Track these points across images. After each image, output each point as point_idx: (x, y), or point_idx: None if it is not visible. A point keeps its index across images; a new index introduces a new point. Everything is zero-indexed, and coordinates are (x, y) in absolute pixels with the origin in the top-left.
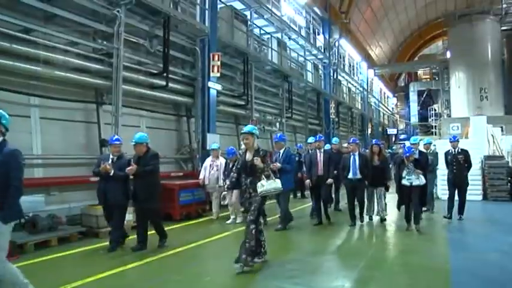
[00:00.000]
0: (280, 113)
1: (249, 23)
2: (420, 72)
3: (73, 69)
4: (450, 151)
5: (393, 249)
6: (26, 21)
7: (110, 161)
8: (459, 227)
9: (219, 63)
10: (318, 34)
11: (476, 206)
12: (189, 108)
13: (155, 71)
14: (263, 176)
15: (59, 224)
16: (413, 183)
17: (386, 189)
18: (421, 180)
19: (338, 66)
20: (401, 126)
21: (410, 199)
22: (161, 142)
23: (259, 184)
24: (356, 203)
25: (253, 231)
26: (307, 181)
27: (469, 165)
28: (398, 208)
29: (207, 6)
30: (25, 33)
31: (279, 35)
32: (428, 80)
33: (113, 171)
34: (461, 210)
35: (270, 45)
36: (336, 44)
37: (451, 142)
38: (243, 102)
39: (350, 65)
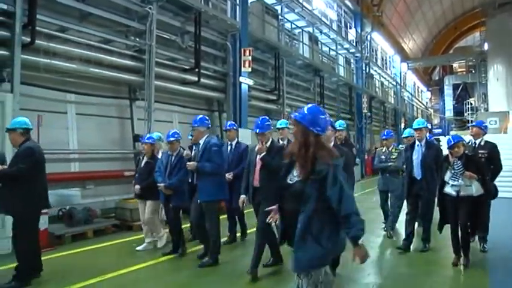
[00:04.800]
0: None
1: (280, 17)
2: (455, 65)
3: (107, 66)
4: (469, 142)
5: None
6: (63, 20)
7: None
8: None
9: (250, 58)
10: (350, 28)
11: None
12: (221, 103)
13: (187, 67)
14: None
15: (94, 216)
16: (462, 193)
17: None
18: (476, 189)
19: (370, 60)
20: (436, 120)
21: (458, 217)
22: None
23: None
24: None
25: None
26: (241, 198)
27: (497, 168)
28: (440, 229)
29: (237, 1)
30: (61, 32)
31: (310, 29)
32: (464, 73)
33: None
34: (483, 236)
35: (301, 40)
36: (368, 37)
37: (472, 128)
38: (274, 97)
39: (383, 59)
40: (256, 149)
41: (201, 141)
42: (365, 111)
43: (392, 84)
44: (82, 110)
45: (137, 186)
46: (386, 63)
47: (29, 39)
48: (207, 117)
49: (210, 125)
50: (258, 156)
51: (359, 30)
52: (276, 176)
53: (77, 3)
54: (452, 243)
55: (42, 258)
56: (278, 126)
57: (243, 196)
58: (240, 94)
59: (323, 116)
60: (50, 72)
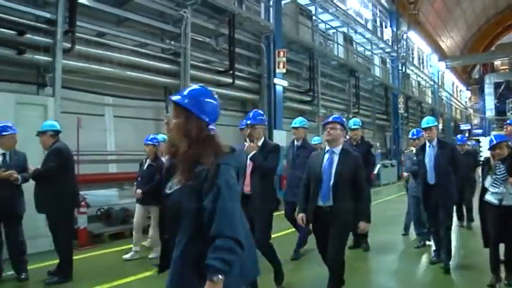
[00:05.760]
0: (347, 109)
1: (313, 18)
2: (497, 62)
3: (143, 69)
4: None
5: None
6: (101, 26)
7: (1, 159)
8: None
9: (284, 59)
10: (385, 27)
11: None
12: (256, 105)
13: (221, 69)
14: None
15: (131, 216)
16: (504, 202)
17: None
18: None
19: (407, 59)
20: (476, 121)
21: (500, 230)
22: (229, 139)
23: None
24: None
25: None
26: None
27: None
28: (486, 245)
29: (271, 3)
30: (100, 37)
31: (344, 29)
32: (506, 70)
33: (20, 179)
34: None
35: (335, 40)
36: (404, 36)
37: (507, 126)
38: (309, 98)
39: (419, 58)
40: (245, 148)
41: None
42: (401, 111)
43: (430, 84)
44: (119, 113)
45: (139, 191)
46: (423, 63)
47: (69, 45)
48: None
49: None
50: (249, 157)
51: (395, 29)
52: (271, 181)
53: (114, 9)
54: (490, 259)
55: (82, 256)
56: (293, 125)
57: None
58: (274, 95)
59: (211, 100)
60: (88, 76)
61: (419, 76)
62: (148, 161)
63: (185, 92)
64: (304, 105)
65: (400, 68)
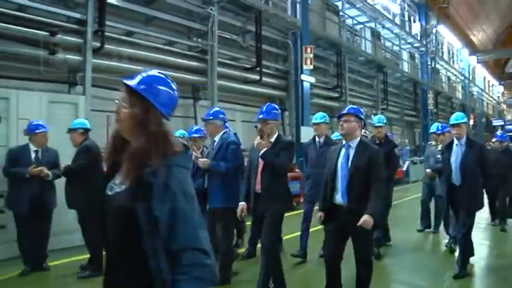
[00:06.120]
0: (375, 105)
1: (340, 13)
2: None
3: (171, 67)
4: None
5: None
6: (129, 25)
7: (34, 155)
8: None
9: (311, 55)
10: (414, 21)
11: None
12: (283, 102)
13: (249, 66)
14: None
15: None
16: None
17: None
18: None
19: (436, 54)
20: (509, 116)
21: None
22: (254, 136)
23: None
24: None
25: None
26: (240, 205)
27: None
28: None
29: None
30: (128, 36)
31: (372, 25)
32: None
33: (51, 176)
34: None
35: (363, 36)
36: (434, 30)
37: None
38: (337, 95)
39: (449, 53)
40: (255, 144)
41: (217, 138)
42: (431, 107)
43: (460, 79)
44: None
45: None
46: (453, 57)
47: (99, 44)
48: (222, 110)
49: (226, 119)
50: (259, 154)
51: (424, 24)
52: (283, 179)
53: (142, 8)
54: None
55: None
56: (313, 121)
57: (242, 203)
58: (301, 92)
59: (169, 90)
60: (118, 74)
61: (449, 71)
62: None
63: (141, 77)
64: (332, 102)
65: (429, 63)
